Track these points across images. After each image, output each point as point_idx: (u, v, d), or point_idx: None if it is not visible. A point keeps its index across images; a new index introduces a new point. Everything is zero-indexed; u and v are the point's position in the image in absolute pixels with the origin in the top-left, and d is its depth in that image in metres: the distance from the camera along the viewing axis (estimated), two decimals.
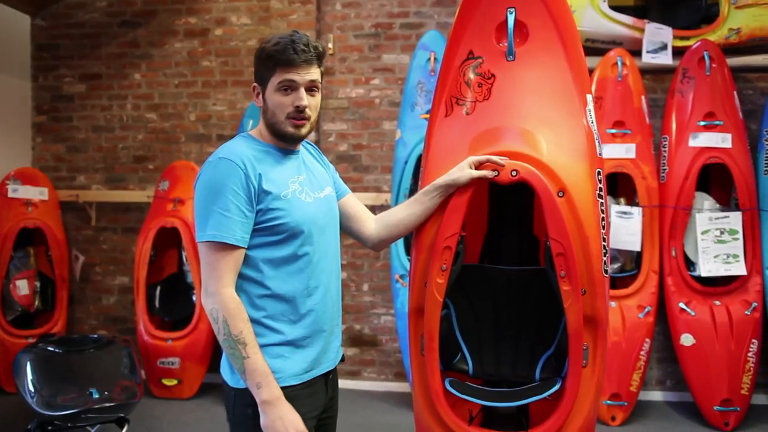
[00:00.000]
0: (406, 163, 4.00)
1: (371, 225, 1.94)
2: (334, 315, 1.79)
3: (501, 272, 2.23)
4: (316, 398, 1.73)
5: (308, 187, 1.74)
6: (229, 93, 4.60)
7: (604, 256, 1.95)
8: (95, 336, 3.64)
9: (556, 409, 1.94)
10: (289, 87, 1.67)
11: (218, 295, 1.59)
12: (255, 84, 1.74)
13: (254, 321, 1.64)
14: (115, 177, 4.74)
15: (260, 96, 1.73)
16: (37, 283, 4.48)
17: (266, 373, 1.60)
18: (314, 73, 1.69)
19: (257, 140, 1.74)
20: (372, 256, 4.45)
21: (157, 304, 4.41)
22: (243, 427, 1.68)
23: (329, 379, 1.79)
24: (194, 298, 4.31)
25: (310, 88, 1.69)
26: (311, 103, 1.70)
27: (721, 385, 3.66)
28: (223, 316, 1.59)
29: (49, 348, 3.28)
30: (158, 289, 4.44)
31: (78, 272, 4.73)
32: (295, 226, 1.65)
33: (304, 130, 1.71)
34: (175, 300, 4.47)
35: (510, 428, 2.10)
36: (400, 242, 4.02)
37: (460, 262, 2.01)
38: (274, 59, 1.66)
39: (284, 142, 1.73)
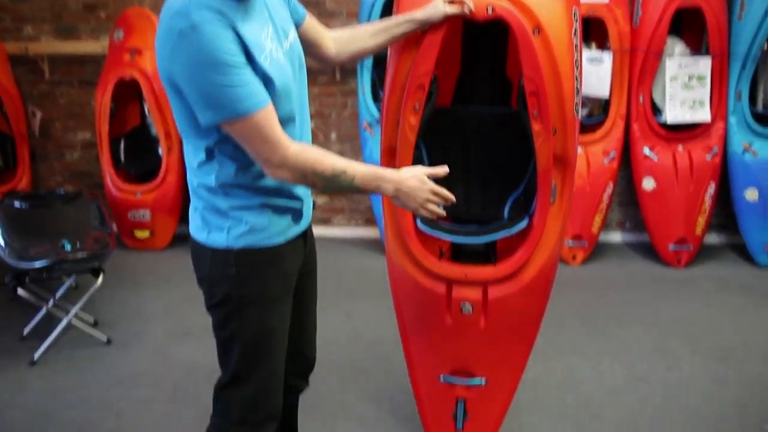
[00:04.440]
0: (372, 6, 3.85)
1: (331, 46, 1.79)
2: None
3: (473, 114, 2.23)
4: (296, 254, 1.64)
5: (277, 41, 1.47)
6: None
7: (576, 96, 1.94)
8: (61, 191, 3.60)
9: (523, 243, 2.02)
10: None
11: (288, 159, 1.41)
12: None
13: (239, 186, 1.50)
14: (65, 27, 4.47)
15: None
16: None
17: (374, 172, 1.51)
18: None
19: None
20: (339, 105, 4.38)
21: (122, 158, 4.35)
22: (224, 287, 1.54)
23: (306, 234, 1.70)
24: (160, 150, 4.23)
25: None
26: None
27: (677, 225, 3.84)
28: (311, 169, 1.43)
29: (16, 204, 3.23)
30: (122, 142, 4.36)
31: (37, 128, 4.58)
32: (281, 91, 1.43)
33: None
34: (141, 153, 4.40)
35: (478, 263, 2.18)
36: (368, 90, 3.96)
37: (433, 102, 2.00)
38: None
39: None
